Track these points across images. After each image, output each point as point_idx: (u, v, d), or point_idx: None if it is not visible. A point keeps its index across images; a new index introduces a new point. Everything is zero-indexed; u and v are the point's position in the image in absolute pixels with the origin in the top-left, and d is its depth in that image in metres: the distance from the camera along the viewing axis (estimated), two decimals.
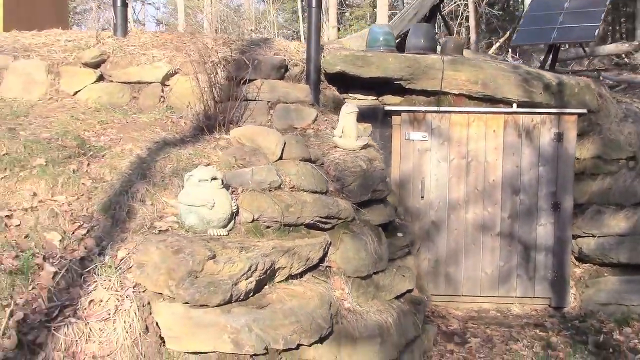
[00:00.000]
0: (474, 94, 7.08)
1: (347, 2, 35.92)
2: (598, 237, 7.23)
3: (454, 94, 7.14)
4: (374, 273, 5.09)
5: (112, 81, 6.41)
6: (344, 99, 7.22)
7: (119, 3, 6.93)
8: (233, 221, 4.29)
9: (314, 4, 6.79)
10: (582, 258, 7.42)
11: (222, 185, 4.24)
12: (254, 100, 6.40)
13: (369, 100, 7.36)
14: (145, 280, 3.73)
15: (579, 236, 7.35)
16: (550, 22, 9.69)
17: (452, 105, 7.16)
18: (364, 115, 6.96)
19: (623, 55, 21.63)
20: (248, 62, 6.52)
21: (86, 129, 5.39)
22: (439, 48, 8.21)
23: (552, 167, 7.12)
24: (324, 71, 7.02)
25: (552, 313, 7.15)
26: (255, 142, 4.98)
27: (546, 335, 6.39)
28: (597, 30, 9.29)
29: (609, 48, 20.14)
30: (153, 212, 4.37)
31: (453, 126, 7.15)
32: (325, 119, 6.65)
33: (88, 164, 4.74)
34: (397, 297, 5.44)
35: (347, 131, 5.68)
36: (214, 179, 4.19)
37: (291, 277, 4.38)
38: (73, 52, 6.57)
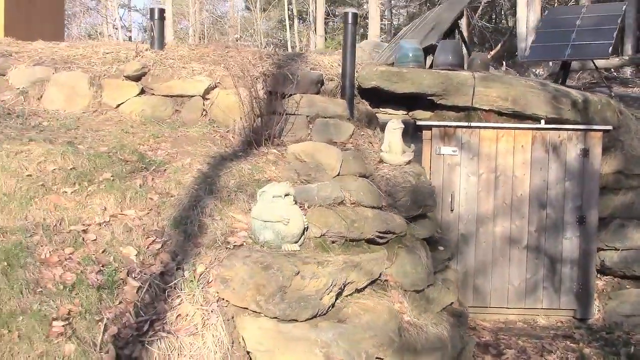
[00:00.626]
0: (503, 110, 7.26)
1: (334, 13, 36.22)
2: (621, 250, 7.43)
3: (484, 110, 7.31)
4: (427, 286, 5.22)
5: (154, 94, 6.47)
6: (376, 113, 7.35)
7: (156, 16, 7.00)
8: (303, 236, 4.38)
9: (349, 21, 6.91)
10: (604, 270, 7.61)
11: (293, 202, 4.34)
12: (294, 114, 6.48)
13: (399, 114, 7.50)
14: (230, 295, 3.81)
15: (602, 249, 7.55)
16: (564, 39, 9.92)
17: (481, 120, 7.33)
18: None
19: (612, 69, 22.17)
20: (287, 77, 6.63)
21: (141, 142, 5.45)
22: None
23: (578, 182, 7.32)
24: (358, 86, 7.14)
25: (578, 324, 7.32)
26: (315, 158, 5.09)
27: (577, 347, 6.55)
28: (610, 48, 9.56)
29: (600, 62, 20.53)
30: (223, 227, 4.46)
31: (482, 141, 7.31)
32: (362, 133, 6.77)
33: (152, 179, 4.81)
34: (442, 310, 5.56)
35: (393, 147, 5.81)
36: (287, 195, 4.29)
37: (357, 291, 4.48)
38: (113, 65, 6.62)
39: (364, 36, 34.66)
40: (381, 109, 7.48)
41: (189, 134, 5.86)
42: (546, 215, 7.36)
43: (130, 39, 33.44)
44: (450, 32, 9.42)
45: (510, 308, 7.42)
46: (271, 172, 5.11)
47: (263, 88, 6.61)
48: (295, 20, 35.53)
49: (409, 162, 5.88)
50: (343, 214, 4.61)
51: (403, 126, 5.87)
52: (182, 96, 6.47)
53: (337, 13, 37.29)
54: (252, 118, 6.28)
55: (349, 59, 6.93)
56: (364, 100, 7.34)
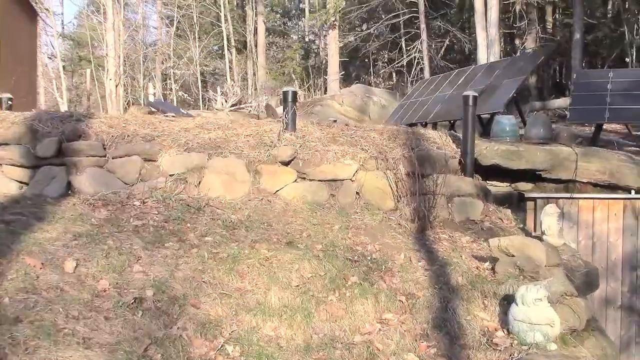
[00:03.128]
0: (600, 182, 7.94)
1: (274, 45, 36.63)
2: None
3: (582, 182, 7.96)
4: None
5: (307, 179, 6.66)
6: (485, 185, 7.84)
7: (290, 99, 7.20)
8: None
9: (470, 103, 7.40)
10: None
11: (548, 303, 4.73)
12: (433, 194, 6.88)
13: (503, 186, 8.03)
14: None
15: None
16: (599, 102, 10.80)
17: (579, 191, 7.98)
18: (501, 200, 7.67)
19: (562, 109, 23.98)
20: (425, 158, 7.03)
21: (342, 237, 5.68)
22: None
23: None
24: (476, 162, 7.60)
25: None
26: (525, 253, 5.47)
27: None
28: None
29: (558, 102, 22.18)
30: (476, 327, 4.78)
31: (581, 211, 7.96)
32: (490, 209, 7.25)
33: (389, 279, 5.07)
34: None
35: (552, 230, 6.31)
36: (545, 297, 4.67)
37: None
38: (260, 149, 6.74)
39: (319, 70, 35.24)
40: (488, 182, 7.96)
41: (368, 223, 6.13)
42: (637, 277, 8.08)
43: (64, 68, 32.36)
44: (511, 100, 10.10)
45: None
46: (484, 266, 5.47)
47: (400, 169, 6.98)
48: (233, 50, 35.70)
49: (564, 244, 6.39)
50: (573, 307, 5.04)
51: (559, 211, 6.39)
52: (334, 180, 6.71)
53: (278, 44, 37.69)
54: (405, 201, 6.64)
55: (469, 137, 7.43)
56: (476, 175, 7.82)
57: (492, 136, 8.50)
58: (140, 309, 4.01)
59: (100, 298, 4.03)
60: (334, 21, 28.29)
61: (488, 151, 7.60)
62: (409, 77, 26.54)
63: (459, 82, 12.12)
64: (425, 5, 26.66)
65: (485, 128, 10.47)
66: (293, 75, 35.81)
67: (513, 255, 5.50)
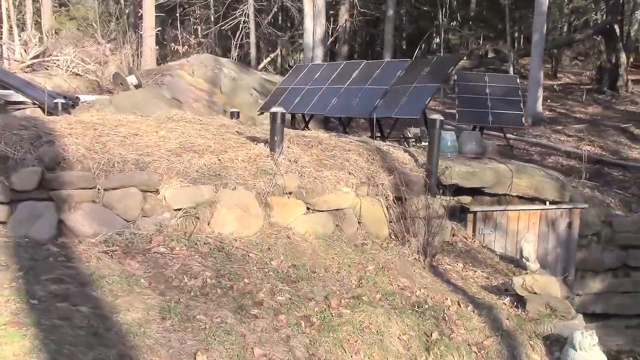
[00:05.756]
0: (527, 196, 8.90)
1: None
2: (582, 295, 9.76)
3: (512, 196, 8.85)
4: None
5: (313, 210, 6.52)
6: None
7: (278, 121, 6.88)
8: None
9: (437, 126, 7.78)
10: None
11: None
12: (416, 217, 7.19)
13: (447, 199, 8.59)
14: None
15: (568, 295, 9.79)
16: (482, 105, 11.97)
17: (508, 204, 8.87)
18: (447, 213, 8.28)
19: None
20: (407, 182, 7.28)
21: (387, 282, 5.79)
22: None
23: (565, 248, 9.37)
24: (438, 181, 8.03)
25: None
26: (546, 290, 6.05)
27: None
28: (522, 118, 11.91)
29: None
30: None
31: (509, 221, 8.86)
32: (454, 228, 7.78)
33: (456, 329, 5.31)
34: None
35: (532, 256, 7.02)
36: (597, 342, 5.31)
37: None
38: (262, 178, 6.40)
39: (119, 20, 32.67)
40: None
41: (391, 259, 6.29)
42: None
43: None
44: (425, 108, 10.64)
45: None
46: (505, 302, 5.94)
47: (390, 196, 7.17)
48: None
49: (539, 267, 7.15)
50: None
51: (536, 238, 7.10)
52: (337, 210, 6.67)
53: None
54: (398, 228, 6.89)
55: (434, 159, 7.83)
56: None
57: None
58: None
59: None
60: None
61: (450, 173, 8.08)
62: (234, 40, 26.00)
63: (354, 75, 12.31)
64: None
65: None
66: (94, 24, 32.86)
67: (536, 293, 6.07)
